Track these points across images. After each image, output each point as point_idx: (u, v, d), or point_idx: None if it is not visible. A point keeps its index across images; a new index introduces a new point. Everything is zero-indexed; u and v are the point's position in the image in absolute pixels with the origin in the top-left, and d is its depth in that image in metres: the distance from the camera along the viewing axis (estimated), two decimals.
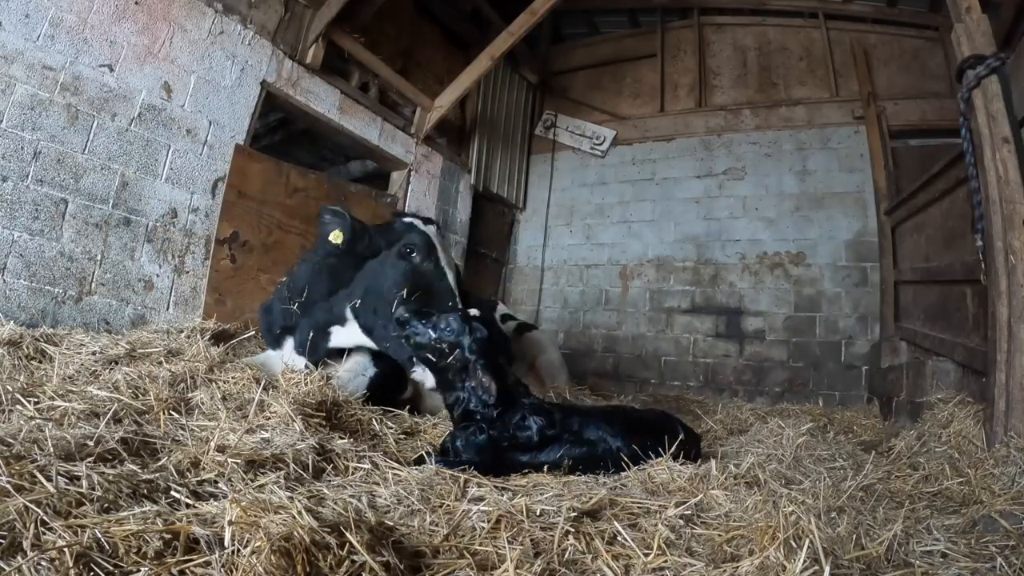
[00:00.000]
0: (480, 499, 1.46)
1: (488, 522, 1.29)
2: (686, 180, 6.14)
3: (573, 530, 1.27)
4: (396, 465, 1.73)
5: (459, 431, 1.94)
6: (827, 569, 1.06)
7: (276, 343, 2.84)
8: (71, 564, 0.89)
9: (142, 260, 3.43)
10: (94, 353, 2.39)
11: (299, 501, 1.09)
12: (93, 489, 1.13)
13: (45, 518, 0.99)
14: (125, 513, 1.06)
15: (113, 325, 3.24)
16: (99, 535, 0.95)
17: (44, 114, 3.00)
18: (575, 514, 1.35)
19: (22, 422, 1.51)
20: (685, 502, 1.50)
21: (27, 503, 1.00)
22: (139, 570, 0.92)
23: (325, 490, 1.41)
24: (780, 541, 1.16)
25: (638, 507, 1.49)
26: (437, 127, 5.55)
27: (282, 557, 0.93)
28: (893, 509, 1.64)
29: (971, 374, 2.81)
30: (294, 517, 1.02)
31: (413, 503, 1.42)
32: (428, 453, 1.91)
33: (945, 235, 3.40)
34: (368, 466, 1.69)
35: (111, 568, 0.91)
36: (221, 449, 1.49)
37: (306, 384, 2.27)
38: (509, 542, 1.19)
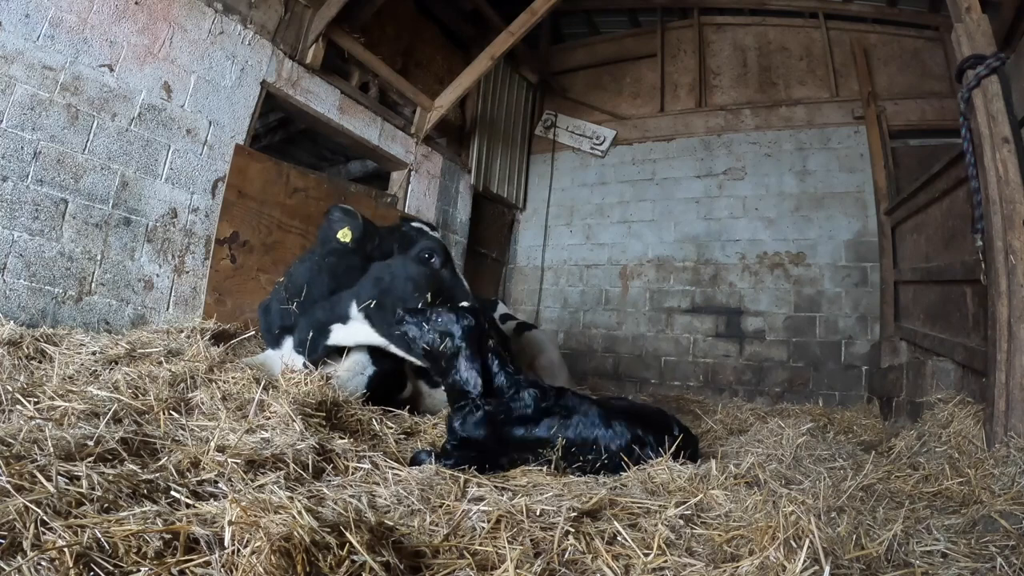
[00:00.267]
0: (480, 499, 1.47)
1: (488, 522, 1.29)
2: (686, 180, 6.14)
3: (573, 530, 1.27)
4: (396, 465, 1.73)
5: (456, 411, 1.98)
6: (827, 569, 1.06)
7: (275, 343, 2.84)
8: (71, 564, 0.89)
9: (142, 260, 3.43)
10: (94, 353, 2.39)
11: (299, 501, 1.09)
12: (93, 489, 1.13)
13: (45, 518, 0.99)
14: (125, 513, 1.06)
15: (113, 325, 3.24)
16: (99, 535, 0.95)
17: (44, 114, 3.01)
18: (575, 514, 1.35)
19: (22, 422, 1.52)
20: (685, 502, 1.50)
21: (27, 503, 1.00)
22: (139, 570, 0.92)
23: (325, 490, 1.41)
24: (780, 541, 1.16)
25: (638, 507, 1.50)
26: (437, 127, 5.55)
27: (282, 557, 0.93)
28: (893, 509, 1.64)
29: (971, 374, 2.81)
30: (294, 517, 1.02)
31: (413, 503, 1.43)
32: (425, 451, 1.94)
33: (945, 235, 3.40)
34: (368, 466, 1.70)
35: (111, 568, 0.91)
36: (221, 449, 1.50)
37: (306, 384, 2.28)
38: (509, 542, 1.19)
